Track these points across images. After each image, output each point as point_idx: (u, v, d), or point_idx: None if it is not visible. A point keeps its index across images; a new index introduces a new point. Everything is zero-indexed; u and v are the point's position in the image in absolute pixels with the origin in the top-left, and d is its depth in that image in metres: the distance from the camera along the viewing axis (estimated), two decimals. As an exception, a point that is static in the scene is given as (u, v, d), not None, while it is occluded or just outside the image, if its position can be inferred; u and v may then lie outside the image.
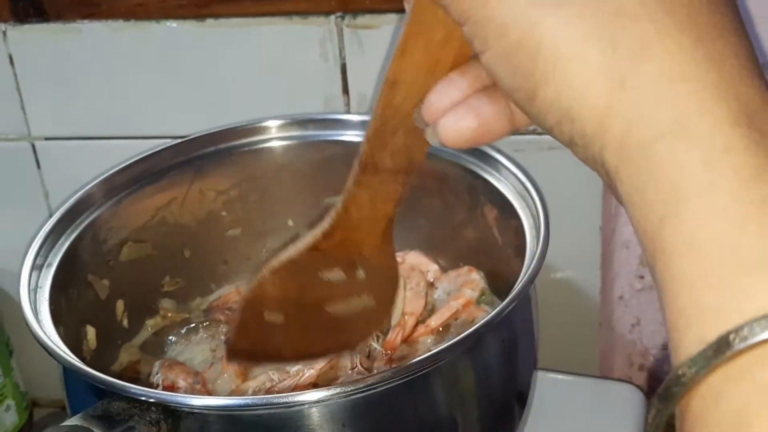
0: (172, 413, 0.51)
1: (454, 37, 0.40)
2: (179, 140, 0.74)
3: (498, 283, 0.70)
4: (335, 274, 0.54)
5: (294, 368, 0.66)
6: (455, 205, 0.72)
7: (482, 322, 0.54)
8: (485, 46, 0.35)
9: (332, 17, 0.74)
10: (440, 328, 0.68)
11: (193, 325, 0.73)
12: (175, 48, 0.78)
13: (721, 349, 0.27)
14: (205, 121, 0.77)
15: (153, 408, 0.51)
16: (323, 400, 0.51)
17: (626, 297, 0.84)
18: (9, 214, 0.87)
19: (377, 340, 0.68)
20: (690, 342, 0.28)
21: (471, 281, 0.70)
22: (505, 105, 0.40)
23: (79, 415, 0.50)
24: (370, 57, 0.76)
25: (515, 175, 0.65)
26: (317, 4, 0.74)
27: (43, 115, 0.83)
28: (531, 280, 0.56)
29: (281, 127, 0.74)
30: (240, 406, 0.52)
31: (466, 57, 0.40)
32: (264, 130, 0.74)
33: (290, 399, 0.51)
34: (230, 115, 0.77)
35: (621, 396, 0.80)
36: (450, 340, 0.53)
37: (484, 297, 0.70)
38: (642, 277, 0.82)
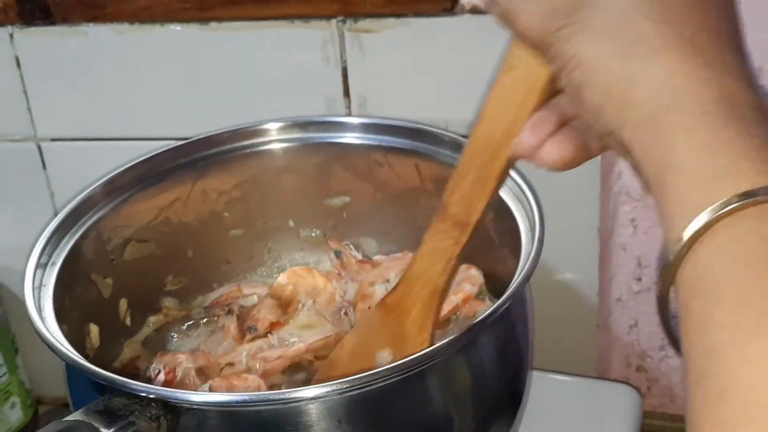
0: (171, 409, 0.52)
1: (544, 80, 0.46)
2: (182, 141, 0.75)
3: (495, 284, 0.71)
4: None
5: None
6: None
7: (477, 320, 0.55)
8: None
9: (334, 21, 0.75)
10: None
11: (193, 321, 0.74)
12: (179, 51, 0.79)
13: (696, 226, 0.36)
14: (208, 123, 0.78)
15: (153, 404, 0.52)
16: (320, 397, 0.51)
17: (624, 299, 0.84)
18: (15, 214, 0.89)
19: None
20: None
21: (470, 277, 0.71)
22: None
23: (80, 410, 0.51)
24: (371, 60, 0.77)
25: (511, 177, 0.66)
26: (319, 8, 0.75)
27: (49, 116, 0.85)
28: (526, 279, 0.57)
29: (282, 129, 0.75)
30: (238, 402, 0.53)
31: (551, 95, 0.47)
32: (265, 132, 0.75)
33: (287, 395, 0.52)
34: (233, 117, 0.78)
35: (618, 397, 0.80)
36: (447, 336, 0.54)
37: (482, 295, 0.71)
38: (640, 279, 0.83)
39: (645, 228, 0.80)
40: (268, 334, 0.71)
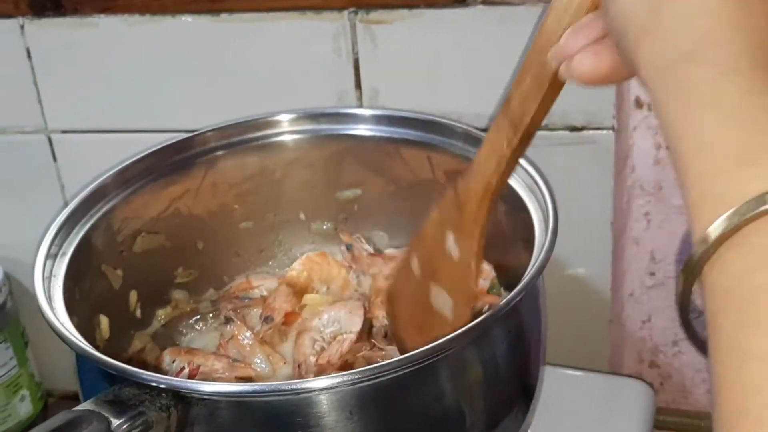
0: (182, 399, 0.51)
1: None
2: (193, 133, 0.75)
3: (507, 277, 0.70)
4: (449, 240, 0.57)
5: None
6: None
7: (489, 312, 0.54)
8: None
9: (345, 12, 0.75)
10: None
11: (201, 315, 0.74)
12: (190, 42, 0.79)
13: (725, 226, 0.32)
14: (219, 114, 0.78)
15: (163, 394, 0.51)
16: (331, 388, 0.51)
17: (637, 294, 0.84)
18: (25, 207, 0.89)
19: None
20: (702, 224, 0.33)
21: (482, 271, 0.70)
22: None
23: (90, 400, 0.51)
24: (382, 52, 0.76)
25: (524, 169, 0.65)
26: (330, 0, 0.75)
27: (59, 108, 0.84)
28: (539, 271, 0.57)
29: (293, 121, 0.75)
30: (249, 392, 0.52)
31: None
32: (276, 123, 0.75)
33: (298, 386, 0.51)
34: (244, 109, 0.78)
35: (631, 392, 0.79)
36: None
37: (493, 290, 0.71)
38: (653, 274, 0.82)
39: (659, 222, 0.80)
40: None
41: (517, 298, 0.55)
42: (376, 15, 0.75)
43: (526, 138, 0.51)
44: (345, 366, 0.65)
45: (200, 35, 0.78)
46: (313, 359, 0.67)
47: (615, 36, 0.40)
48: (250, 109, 0.77)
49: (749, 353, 0.31)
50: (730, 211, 0.32)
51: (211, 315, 0.74)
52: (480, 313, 0.56)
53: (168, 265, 0.75)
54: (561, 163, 0.75)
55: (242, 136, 0.75)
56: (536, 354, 0.64)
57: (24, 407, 0.91)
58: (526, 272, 0.57)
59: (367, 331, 0.69)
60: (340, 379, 0.50)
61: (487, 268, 0.71)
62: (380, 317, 0.69)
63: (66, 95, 0.84)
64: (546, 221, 0.61)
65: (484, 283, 0.70)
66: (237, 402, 0.52)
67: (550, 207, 0.61)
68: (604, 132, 0.75)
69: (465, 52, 0.75)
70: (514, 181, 0.66)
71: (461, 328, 0.53)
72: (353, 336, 0.67)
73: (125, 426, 0.49)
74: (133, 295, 0.72)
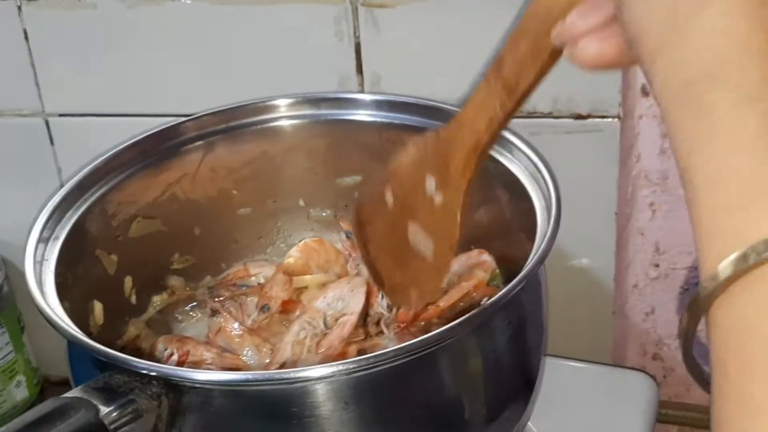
0: (173, 387, 0.50)
1: None
2: (190, 117, 0.73)
3: (509, 268, 0.69)
4: (429, 183, 0.55)
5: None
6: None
7: (490, 301, 0.53)
8: None
9: (347, -4, 0.74)
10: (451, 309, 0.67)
11: (197, 302, 0.73)
12: (190, 25, 0.78)
13: (736, 265, 0.31)
14: (219, 98, 0.76)
15: (154, 382, 0.50)
16: (326, 377, 0.50)
17: (641, 285, 0.83)
18: (22, 190, 0.87)
19: (390, 311, 0.68)
20: (712, 260, 0.32)
21: (482, 263, 0.69)
22: None
23: (79, 387, 0.50)
24: (384, 36, 0.75)
25: (528, 156, 0.64)
26: (333, -17, 0.74)
27: (57, 91, 0.83)
28: (541, 260, 0.55)
29: (293, 106, 0.74)
30: (242, 381, 0.51)
31: None
32: (276, 108, 0.74)
33: (293, 375, 0.50)
34: (244, 93, 0.76)
35: (634, 384, 0.79)
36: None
37: (495, 281, 0.69)
38: (657, 266, 0.81)
39: (664, 213, 0.78)
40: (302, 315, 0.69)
41: (518, 287, 0.54)
42: (378, -2, 0.73)
43: (521, 102, 0.49)
44: (340, 355, 0.64)
45: (200, 18, 0.77)
46: (307, 345, 0.66)
47: (628, 40, 0.38)
48: (249, 93, 0.76)
49: (756, 407, 0.30)
50: (743, 249, 0.31)
51: (205, 303, 0.73)
52: (479, 304, 0.55)
53: (164, 251, 0.74)
54: (565, 151, 0.73)
55: (241, 121, 0.73)
56: (537, 345, 0.62)
57: (20, 393, 0.90)
58: (528, 260, 0.55)
59: (362, 318, 0.68)
60: (335, 369, 0.49)
61: (489, 259, 0.70)
62: (376, 305, 0.68)
63: (64, 78, 0.83)
64: (549, 210, 0.60)
65: (484, 275, 0.69)
66: (230, 391, 0.51)
67: (553, 195, 0.60)
68: (610, 120, 0.73)
69: (468, 37, 0.73)
70: (516, 169, 0.65)
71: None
72: (354, 318, 0.66)
73: (114, 414, 0.48)
74: (128, 281, 0.71)
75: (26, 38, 0.81)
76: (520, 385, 0.61)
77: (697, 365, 0.38)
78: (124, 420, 0.49)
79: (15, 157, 0.87)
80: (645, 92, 0.74)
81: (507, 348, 0.58)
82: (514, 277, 0.55)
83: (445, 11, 0.73)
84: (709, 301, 0.32)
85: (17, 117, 0.85)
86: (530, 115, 0.75)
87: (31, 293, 0.56)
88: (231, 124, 0.73)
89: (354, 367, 0.49)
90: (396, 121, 0.72)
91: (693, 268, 0.81)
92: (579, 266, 0.80)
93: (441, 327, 0.52)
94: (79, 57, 0.81)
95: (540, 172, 0.62)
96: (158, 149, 0.71)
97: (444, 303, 0.67)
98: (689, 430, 0.87)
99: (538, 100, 0.74)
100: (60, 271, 0.60)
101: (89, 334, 0.58)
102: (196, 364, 0.65)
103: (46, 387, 0.94)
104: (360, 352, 0.64)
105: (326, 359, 0.65)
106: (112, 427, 0.48)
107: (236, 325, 0.69)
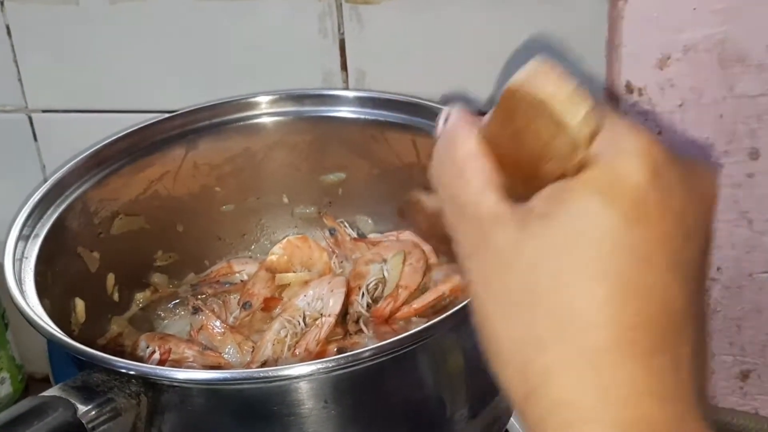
0: (152, 386, 0.50)
1: None
2: (172, 113, 0.73)
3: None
4: None
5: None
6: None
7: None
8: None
9: (331, -9, 0.73)
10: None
11: (180, 300, 0.73)
12: (173, 21, 0.77)
13: None
14: (203, 95, 0.76)
15: (133, 380, 0.50)
16: (306, 376, 0.50)
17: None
18: (5, 187, 0.87)
19: (366, 308, 0.68)
20: None
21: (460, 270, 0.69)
22: None
23: (58, 386, 0.50)
24: (369, 33, 0.74)
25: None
26: (316, -21, 0.73)
27: (40, 87, 0.83)
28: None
29: (276, 102, 0.73)
30: (221, 380, 0.51)
31: None
32: (257, 105, 0.74)
33: (272, 374, 0.50)
34: (228, 89, 0.76)
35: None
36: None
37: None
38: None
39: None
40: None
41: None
42: (362, -6, 0.73)
43: None
44: (320, 354, 0.64)
45: (183, 14, 0.77)
46: (288, 343, 0.65)
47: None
48: (233, 90, 0.76)
49: None
50: None
51: (190, 299, 0.73)
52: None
53: (147, 248, 0.74)
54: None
55: (224, 117, 0.73)
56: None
57: (4, 389, 0.90)
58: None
59: (341, 316, 0.68)
60: (314, 367, 0.49)
61: None
62: (356, 303, 0.68)
63: (47, 74, 0.82)
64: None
65: (461, 280, 0.69)
66: (209, 390, 0.51)
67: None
68: (594, 116, 0.73)
69: (454, 34, 0.73)
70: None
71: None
72: (332, 320, 0.66)
73: (93, 413, 0.48)
74: (111, 278, 0.71)
75: (9, 34, 0.81)
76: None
77: None
78: (102, 419, 0.49)
79: (-2, 153, 0.87)
80: (629, 89, 0.73)
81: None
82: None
83: (430, 8, 0.72)
84: None
85: (0, 113, 0.84)
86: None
87: (9, 291, 0.56)
88: (214, 120, 0.73)
89: (333, 366, 0.49)
90: (380, 118, 0.72)
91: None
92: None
93: (421, 325, 0.52)
94: (62, 53, 0.81)
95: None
96: (141, 146, 0.71)
97: (417, 304, 0.67)
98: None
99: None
100: (40, 269, 0.60)
101: (71, 333, 0.58)
102: (178, 362, 0.65)
103: (30, 384, 0.93)
104: (339, 351, 0.64)
105: (305, 359, 0.65)
106: (90, 426, 0.48)
107: (218, 322, 0.69)
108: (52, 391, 0.49)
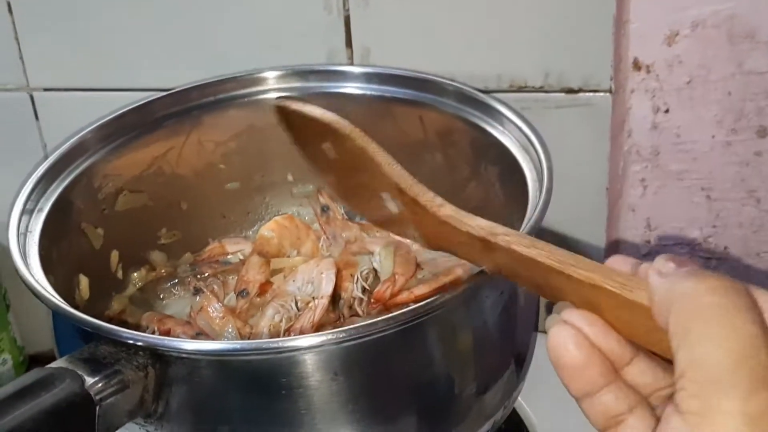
0: (159, 358, 0.49)
1: None
2: (178, 89, 0.72)
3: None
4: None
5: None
6: (457, 159, 0.70)
7: (480, 271, 0.52)
8: None
9: (336, -33, 0.73)
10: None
11: (179, 279, 0.72)
12: (177, -2, 0.77)
13: None
14: (207, 73, 0.75)
15: (141, 352, 0.49)
16: (315, 347, 0.49)
17: (632, 262, 0.82)
18: (6, 166, 0.86)
19: (364, 293, 0.67)
20: None
21: (463, 264, 0.68)
22: None
23: (65, 357, 0.49)
24: (374, 9, 0.74)
25: (519, 128, 0.63)
26: (321, -46, 0.73)
27: (42, 65, 0.82)
28: (533, 230, 0.55)
29: (281, 78, 0.73)
30: (230, 351, 0.50)
31: None
32: (263, 80, 0.73)
33: (281, 344, 0.50)
34: (232, 67, 0.75)
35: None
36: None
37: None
38: (648, 242, 0.81)
39: (655, 188, 0.78)
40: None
41: (510, 258, 0.53)
42: (368, -30, 0.72)
43: None
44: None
45: (187, -10, 0.76)
46: (283, 328, 0.65)
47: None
48: (237, 67, 0.75)
49: None
50: None
51: (189, 279, 0.72)
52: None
53: (151, 226, 0.73)
54: (556, 126, 0.73)
55: (228, 93, 0.72)
56: (529, 319, 0.62)
57: (5, 371, 0.89)
58: (521, 229, 0.55)
59: (333, 302, 0.68)
60: (324, 338, 0.48)
61: (470, 265, 0.69)
62: (349, 288, 0.68)
63: (49, 52, 0.81)
64: (540, 181, 0.59)
65: (463, 275, 0.68)
66: (217, 361, 0.50)
67: (545, 164, 0.59)
68: (601, 95, 0.73)
69: (458, 10, 0.73)
70: (508, 141, 0.64)
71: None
72: (325, 302, 0.65)
73: (100, 384, 0.48)
74: (115, 256, 0.70)
75: (10, 11, 0.80)
76: (510, 359, 0.60)
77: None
78: (109, 391, 0.48)
79: (-1, 132, 0.86)
80: (637, 66, 0.73)
81: (498, 320, 0.57)
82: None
83: (436, -17, 0.72)
84: None
85: (1, 92, 0.84)
86: (521, 90, 0.74)
87: (14, 264, 0.55)
88: (219, 96, 0.72)
89: (344, 337, 0.48)
90: (386, 94, 0.71)
91: (684, 245, 0.80)
92: (570, 242, 0.80)
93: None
94: (64, 31, 0.80)
95: (531, 142, 0.62)
96: (145, 121, 0.70)
97: (418, 291, 0.67)
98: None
99: (528, 74, 0.73)
100: (44, 243, 0.59)
101: (75, 309, 0.57)
102: (170, 331, 0.64)
103: (31, 366, 0.93)
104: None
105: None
106: (98, 398, 0.47)
107: (218, 305, 0.68)
108: (60, 363, 0.48)
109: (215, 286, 0.71)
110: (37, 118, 0.84)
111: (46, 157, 0.66)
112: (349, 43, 0.76)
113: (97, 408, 0.47)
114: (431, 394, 0.55)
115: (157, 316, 0.69)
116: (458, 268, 0.68)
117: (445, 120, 0.68)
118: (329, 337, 0.48)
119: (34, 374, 0.47)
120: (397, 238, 0.73)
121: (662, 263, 0.38)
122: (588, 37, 0.71)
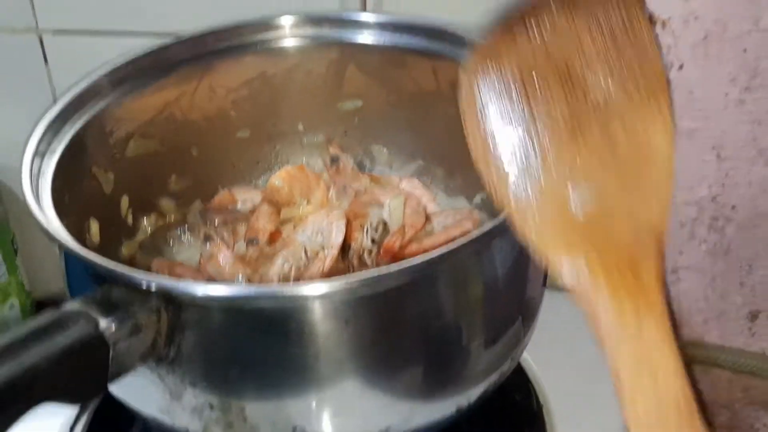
0: (172, 301, 0.50)
1: None
2: (190, 35, 0.72)
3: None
4: None
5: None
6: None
7: (493, 224, 0.52)
8: None
9: None
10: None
11: (188, 226, 0.72)
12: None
13: None
14: (218, 16, 0.74)
15: (154, 295, 0.50)
16: (328, 294, 0.49)
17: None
18: (14, 110, 0.86)
19: (373, 244, 0.67)
20: None
21: (473, 218, 0.68)
22: None
23: (78, 299, 0.49)
24: (388, -44, 0.73)
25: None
26: None
27: (51, 6, 0.81)
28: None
29: (295, 25, 0.72)
30: (243, 296, 0.50)
31: None
32: (277, 27, 0.72)
33: (294, 292, 0.50)
34: (244, 11, 0.74)
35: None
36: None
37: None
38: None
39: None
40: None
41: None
42: None
43: None
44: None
45: (199, -67, 0.75)
46: (293, 277, 0.65)
47: None
48: (250, 12, 0.74)
49: None
50: None
51: (198, 228, 0.72)
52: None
53: (161, 172, 0.73)
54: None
55: (240, 39, 0.72)
56: (538, 274, 0.62)
57: (13, 315, 0.90)
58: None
59: (342, 253, 0.68)
60: (337, 285, 0.49)
61: (479, 217, 0.69)
62: (358, 239, 0.68)
63: (58, -7, 0.81)
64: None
65: (471, 227, 0.68)
66: (230, 306, 0.51)
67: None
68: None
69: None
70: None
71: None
72: (335, 252, 0.66)
73: (113, 327, 0.48)
74: (125, 201, 0.70)
75: (20, -48, 0.79)
76: (518, 312, 0.61)
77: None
78: (123, 333, 0.48)
79: (7, 75, 0.85)
80: (653, 21, 0.72)
81: (508, 273, 0.57)
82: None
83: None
84: None
85: (9, 34, 0.83)
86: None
87: (28, 205, 0.55)
88: (231, 42, 0.72)
89: (356, 284, 0.49)
90: (400, 44, 0.70)
91: (692, 203, 0.80)
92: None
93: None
94: (74, -28, 0.79)
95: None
96: (157, 67, 0.69)
97: (428, 242, 0.67)
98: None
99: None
100: (57, 186, 0.59)
101: (86, 252, 0.57)
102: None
103: (39, 310, 0.94)
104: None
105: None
106: (112, 340, 0.48)
107: (228, 253, 0.68)
108: (73, 305, 0.48)
109: (225, 234, 0.71)
110: (46, 61, 0.83)
111: (56, 100, 0.66)
112: (362, -10, 0.75)
113: (111, 350, 0.48)
114: (440, 343, 0.55)
115: (167, 263, 0.69)
116: (467, 221, 0.68)
117: (457, 68, 0.68)
118: (342, 283, 0.48)
119: (49, 315, 0.47)
120: (408, 189, 0.74)
121: None
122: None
